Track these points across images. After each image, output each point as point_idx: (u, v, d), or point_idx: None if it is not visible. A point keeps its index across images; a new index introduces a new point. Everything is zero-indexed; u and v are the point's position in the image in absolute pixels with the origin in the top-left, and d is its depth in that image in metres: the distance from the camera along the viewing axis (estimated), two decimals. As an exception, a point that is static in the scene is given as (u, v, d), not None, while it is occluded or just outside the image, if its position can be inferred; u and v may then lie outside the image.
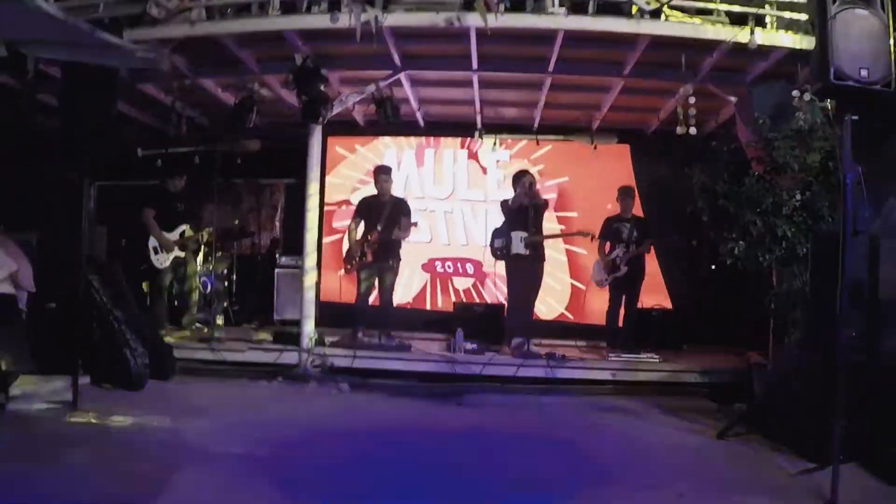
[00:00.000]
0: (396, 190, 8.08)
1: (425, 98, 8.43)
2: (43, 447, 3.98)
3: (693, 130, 6.90)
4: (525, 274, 7.45)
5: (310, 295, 7.10)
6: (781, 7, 5.99)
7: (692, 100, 6.79)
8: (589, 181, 9.03)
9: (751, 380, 5.89)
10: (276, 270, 8.55)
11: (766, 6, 6.02)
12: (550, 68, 6.82)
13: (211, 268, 8.10)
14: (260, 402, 5.66)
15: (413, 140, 9.47)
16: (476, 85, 7.64)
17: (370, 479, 3.74)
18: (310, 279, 7.15)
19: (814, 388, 4.26)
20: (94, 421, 4.62)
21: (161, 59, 6.20)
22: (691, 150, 6.82)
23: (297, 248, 7.57)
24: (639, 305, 7.81)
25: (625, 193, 7.91)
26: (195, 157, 8.43)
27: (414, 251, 8.81)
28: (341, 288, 8.48)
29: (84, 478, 3.49)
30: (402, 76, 7.22)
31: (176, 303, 7.89)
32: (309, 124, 6.95)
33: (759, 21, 5.98)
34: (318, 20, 6.12)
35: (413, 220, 7.50)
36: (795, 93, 5.38)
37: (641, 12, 5.91)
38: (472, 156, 9.44)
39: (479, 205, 9.36)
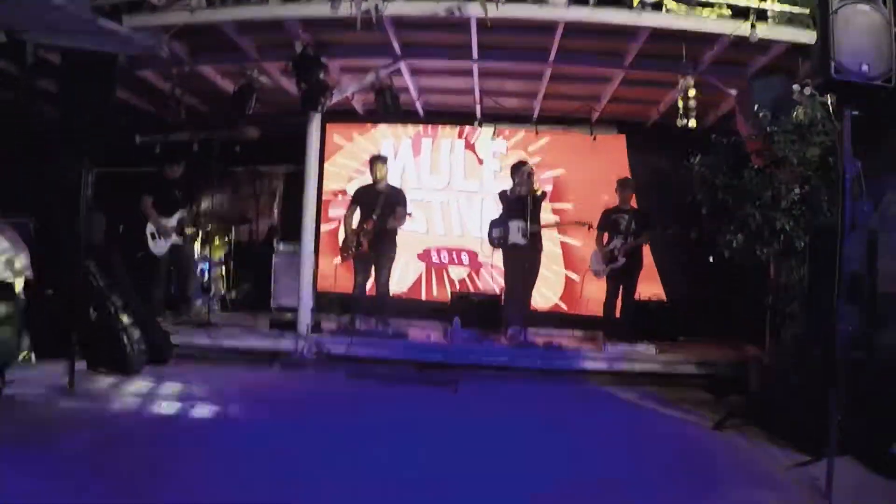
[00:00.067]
0: (393, 179, 8.07)
1: (425, 87, 8.42)
2: (38, 432, 3.98)
3: (693, 123, 6.91)
4: (522, 264, 7.45)
5: (307, 282, 7.10)
6: (783, 1, 5.99)
7: (692, 92, 6.79)
8: (585, 173, 9.04)
9: (747, 372, 5.93)
10: (274, 257, 8.54)
11: (768, 0, 6.02)
12: (551, 59, 6.82)
13: (209, 254, 8.09)
14: (257, 387, 5.68)
15: (410, 129, 9.47)
16: (476, 75, 7.63)
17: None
18: (308, 266, 7.15)
19: (811, 382, 4.29)
20: (89, 405, 4.64)
21: (160, 46, 6.18)
22: (691, 143, 6.83)
23: (295, 236, 7.57)
24: (636, 296, 7.84)
25: (624, 185, 7.91)
26: (194, 144, 8.42)
27: (410, 241, 8.84)
28: (336, 276, 8.48)
29: (80, 461, 3.50)
30: (402, 65, 7.21)
31: (173, 289, 7.89)
32: (308, 112, 6.94)
33: (761, 15, 5.98)
34: (318, 8, 6.08)
35: (409, 210, 7.52)
36: (796, 87, 5.37)
37: (642, 4, 5.90)
38: (469, 146, 9.44)
39: (474, 195, 9.37)
